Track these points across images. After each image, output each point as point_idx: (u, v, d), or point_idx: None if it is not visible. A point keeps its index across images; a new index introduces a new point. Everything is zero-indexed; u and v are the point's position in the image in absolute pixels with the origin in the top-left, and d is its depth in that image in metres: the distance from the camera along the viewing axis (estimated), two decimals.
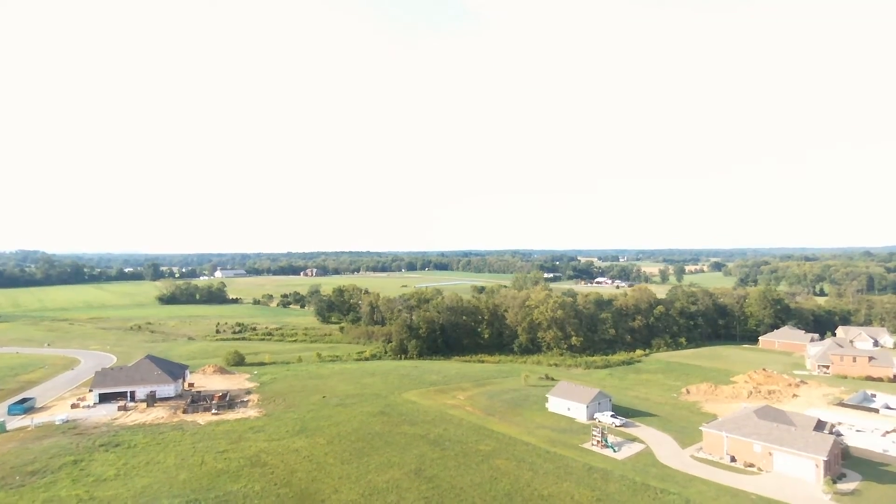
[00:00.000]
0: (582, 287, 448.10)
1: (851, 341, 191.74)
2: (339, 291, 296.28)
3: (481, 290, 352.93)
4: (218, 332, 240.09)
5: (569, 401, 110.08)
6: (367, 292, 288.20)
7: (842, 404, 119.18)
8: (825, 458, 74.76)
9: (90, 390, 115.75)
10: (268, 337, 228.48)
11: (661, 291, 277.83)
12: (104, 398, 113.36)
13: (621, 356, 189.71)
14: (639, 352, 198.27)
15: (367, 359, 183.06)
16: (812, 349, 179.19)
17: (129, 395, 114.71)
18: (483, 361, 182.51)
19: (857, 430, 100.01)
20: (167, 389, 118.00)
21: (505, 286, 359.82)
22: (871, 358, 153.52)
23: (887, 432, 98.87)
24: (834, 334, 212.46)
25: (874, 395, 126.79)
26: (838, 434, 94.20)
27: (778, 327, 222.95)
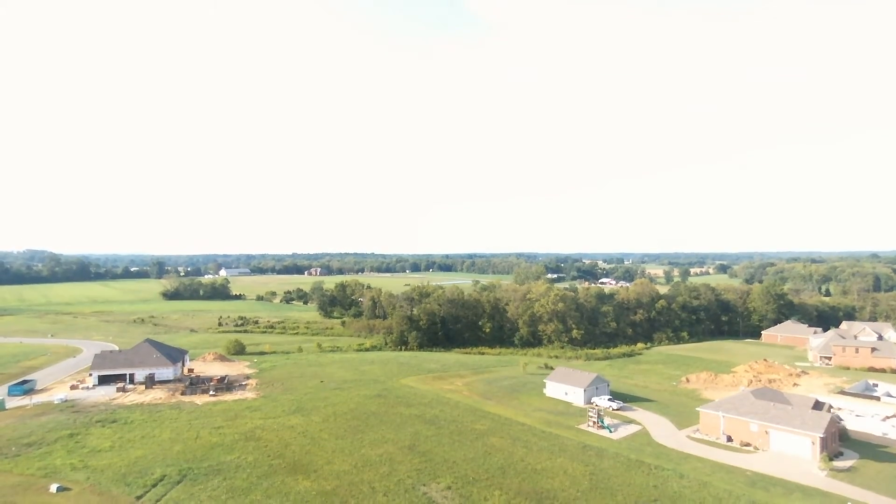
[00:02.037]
0: (585, 286, 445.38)
1: (855, 336, 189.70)
2: (342, 286, 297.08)
3: (484, 288, 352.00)
4: (220, 324, 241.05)
5: (566, 385, 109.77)
6: (369, 287, 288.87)
7: (843, 392, 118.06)
8: (822, 436, 74.18)
9: (90, 374, 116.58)
10: (270, 329, 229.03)
11: (664, 291, 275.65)
12: (103, 380, 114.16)
13: (622, 349, 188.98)
14: (640, 345, 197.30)
15: (367, 349, 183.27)
16: (814, 341, 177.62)
17: (127, 377, 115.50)
18: (483, 353, 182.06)
19: (857, 415, 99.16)
20: (166, 372, 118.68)
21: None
22: (873, 349, 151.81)
23: (887, 417, 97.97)
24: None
25: (876, 385, 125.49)
26: (838, 419, 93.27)
27: (781, 322, 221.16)
